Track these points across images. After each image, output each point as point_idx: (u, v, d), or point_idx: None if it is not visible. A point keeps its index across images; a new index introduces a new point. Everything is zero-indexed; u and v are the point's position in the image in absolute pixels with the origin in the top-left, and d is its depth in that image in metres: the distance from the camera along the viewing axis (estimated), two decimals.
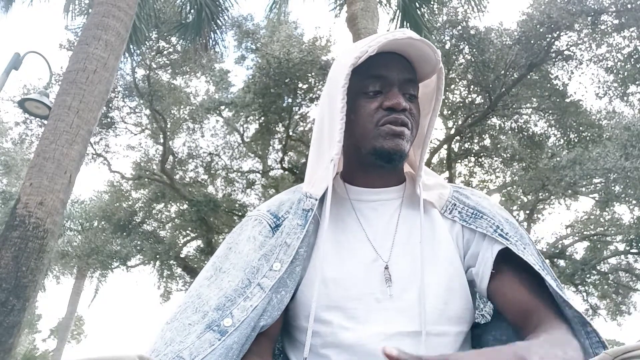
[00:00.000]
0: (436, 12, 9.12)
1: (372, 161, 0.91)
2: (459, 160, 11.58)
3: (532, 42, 8.99)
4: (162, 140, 11.37)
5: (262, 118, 10.59)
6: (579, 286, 11.49)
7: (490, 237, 0.85)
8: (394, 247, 0.87)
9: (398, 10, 7.07)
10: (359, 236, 0.90)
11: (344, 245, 0.89)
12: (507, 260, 0.83)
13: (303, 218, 0.88)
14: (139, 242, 11.44)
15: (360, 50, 0.87)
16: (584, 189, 10.45)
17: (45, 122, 4.42)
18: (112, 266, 11.99)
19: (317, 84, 9.88)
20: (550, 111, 10.06)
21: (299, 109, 10.65)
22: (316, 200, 0.90)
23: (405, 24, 7.01)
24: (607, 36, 9.16)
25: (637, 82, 9.38)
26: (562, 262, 11.61)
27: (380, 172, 0.94)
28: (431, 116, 0.97)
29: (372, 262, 0.86)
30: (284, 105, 10.27)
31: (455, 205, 0.93)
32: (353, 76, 0.91)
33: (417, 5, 7.01)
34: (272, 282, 0.81)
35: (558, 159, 9.64)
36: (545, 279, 0.77)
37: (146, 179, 11.98)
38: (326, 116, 0.93)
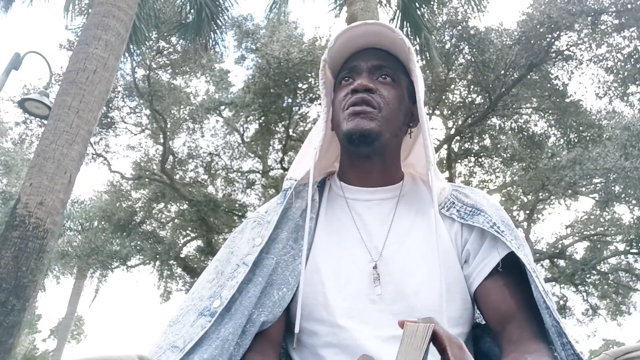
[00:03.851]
0: (436, 12, 9.11)
1: (345, 148, 0.93)
2: (459, 160, 11.57)
3: (532, 42, 8.99)
4: (162, 140, 11.37)
5: (262, 118, 10.59)
6: (579, 286, 11.49)
7: (491, 239, 0.84)
8: (385, 248, 0.87)
9: (398, 10, 7.06)
10: (353, 236, 0.89)
11: (338, 245, 0.89)
12: (498, 266, 0.82)
13: (282, 197, 0.92)
14: (139, 242, 11.44)
15: (328, 44, 0.94)
16: (584, 189, 10.45)
17: (45, 122, 4.42)
18: (112, 266, 11.98)
19: (317, 84, 9.88)
20: (550, 111, 10.06)
21: (299, 109, 10.66)
22: (295, 180, 0.92)
23: (405, 23, 7.01)
24: (607, 36, 9.16)
25: (637, 82, 9.37)
26: (562, 262, 11.61)
27: (367, 167, 0.93)
28: (419, 104, 0.94)
29: (364, 262, 0.86)
30: (284, 105, 10.27)
31: (453, 203, 0.92)
32: (337, 75, 0.97)
33: (417, 5, 7.00)
34: (254, 256, 0.83)
35: (558, 159, 9.64)
36: (535, 281, 0.77)
37: (146, 179, 11.97)
38: (321, 105, 0.99)
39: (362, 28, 0.89)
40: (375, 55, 0.91)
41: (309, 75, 9.61)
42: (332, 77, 0.99)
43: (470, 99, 10.65)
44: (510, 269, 0.81)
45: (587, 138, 9.74)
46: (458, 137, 11.02)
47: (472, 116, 10.48)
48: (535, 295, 0.76)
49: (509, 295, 0.80)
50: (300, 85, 9.90)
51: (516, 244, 0.81)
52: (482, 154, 11.17)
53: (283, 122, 10.81)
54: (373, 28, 0.89)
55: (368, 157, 0.91)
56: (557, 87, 9.74)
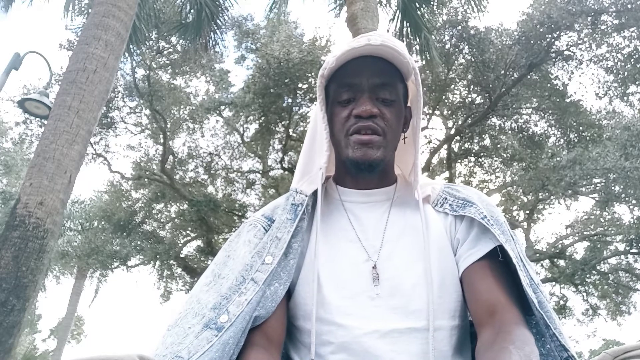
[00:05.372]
0: (436, 12, 9.11)
1: (347, 167, 0.93)
2: (459, 160, 11.57)
3: (532, 42, 8.99)
4: (162, 140, 11.36)
5: (262, 118, 10.59)
6: (579, 286, 11.49)
7: (480, 230, 0.86)
8: (383, 247, 0.88)
9: (398, 10, 7.05)
10: (350, 236, 0.91)
11: (335, 246, 0.90)
12: (488, 256, 0.84)
13: (292, 212, 0.91)
14: (139, 242, 11.43)
15: (327, 62, 0.90)
16: (584, 189, 10.44)
17: (45, 122, 4.42)
18: (112, 266, 11.99)
19: (317, 84, 9.87)
20: (550, 111, 10.06)
21: (299, 109, 10.66)
22: (306, 196, 0.92)
23: (405, 23, 7.00)
24: (607, 36, 9.16)
25: (637, 82, 9.37)
26: (562, 262, 11.61)
27: (365, 177, 0.95)
28: (417, 118, 0.97)
29: (362, 261, 0.87)
30: (284, 105, 10.27)
31: (446, 199, 0.95)
32: (331, 84, 0.93)
33: (417, 5, 7.00)
34: (265, 275, 0.83)
35: (558, 159, 9.64)
36: (521, 274, 0.78)
37: (146, 179, 11.97)
38: (319, 121, 0.95)
39: (365, 48, 0.86)
40: (377, 71, 0.89)
41: (309, 75, 9.61)
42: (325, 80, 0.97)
43: (470, 99, 10.65)
44: (498, 262, 0.83)
45: (587, 138, 9.74)
46: (458, 137, 11.02)
47: (472, 116, 10.48)
48: (525, 289, 0.78)
49: (494, 286, 0.80)
50: (300, 85, 9.90)
51: (504, 238, 0.83)
52: (482, 154, 11.17)
53: (283, 122, 10.81)
54: (378, 50, 0.87)
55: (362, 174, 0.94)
56: (557, 87, 9.74)
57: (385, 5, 7.64)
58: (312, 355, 0.81)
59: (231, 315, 0.78)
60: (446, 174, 11.22)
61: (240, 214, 11.70)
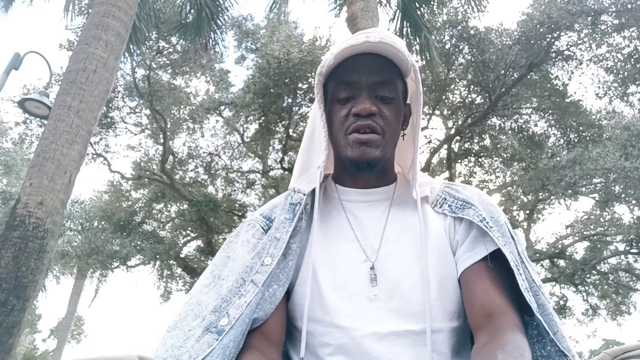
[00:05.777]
0: (436, 12, 9.11)
1: (346, 166, 0.92)
2: (459, 160, 11.57)
3: (532, 42, 8.99)
4: (162, 140, 11.37)
5: (262, 118, 10.60)
6: (579, 286, 11.49)
7: (478, 233, 0.85)
8: (381, 248, 0.88)
9: (398, 10, 7.05)
10: (349, 236, 0.90)
11: (334, 246, 0.90)
12: (485, 259, 0.83)
13: (291, 212, 0.90)
14: (139, 242, 11.44)
15: (326, 59, 0.89)
16: (584, 189, 10.44)
17: (45, 122, 4.42)
18: (112, 266, 11.99)
19: (315, 82, 9.87)
20: (550, 111, 10.06)
21: (299, 109, 10.66)
22: (304, 195, 0.91)
23: (405, 23, 7.00)
24: (607, 36, 9.17)
25: (637, 82, 9.38)
26: (562, 262, 11.61)
27: (364, 175, 0.94)
28: (416, 115, 0.96)
29: (360, 262, 0.87)
30: (284, 105, 10.27)
31: (445, 199, 0.93)
32: (330, 82, 0.92)
33: (417, 5, 7.00)
34: (264, 276, 0.82)
35: (558, 159, 9.63)
36: (519, 278, 0.77)
37: (146, 179, 11.98)
38: (317, 120, 0.95)
39: (364, 46, 0.85)
40: (376, 68, 0.88)
41: (309, 75, 9.61)
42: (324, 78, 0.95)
43: (470, 99, 10.66)
44: (497, 265, 0.82)
45: (587, 138, 9.75)
46: (458, 137, 11.02)
47: (472, 116, 10.48)
48: (524, 293, 0.77)
49: (491, 289, 0.79)
50: (300, 85, 9.90)
51: (502, 241, 0.82)
52: (482, 154, 11.17)
53: (283, 122, 10.81)
54: (376, 47, 0.85)
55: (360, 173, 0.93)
56: (557, 87, 9.74)
57: (385, 5, 7.65)
58: (302, 354, 0.80)
59: (231, 319, 0.78)
60: (446, 174, 11.22)
61: (240, 214, 11.70)
